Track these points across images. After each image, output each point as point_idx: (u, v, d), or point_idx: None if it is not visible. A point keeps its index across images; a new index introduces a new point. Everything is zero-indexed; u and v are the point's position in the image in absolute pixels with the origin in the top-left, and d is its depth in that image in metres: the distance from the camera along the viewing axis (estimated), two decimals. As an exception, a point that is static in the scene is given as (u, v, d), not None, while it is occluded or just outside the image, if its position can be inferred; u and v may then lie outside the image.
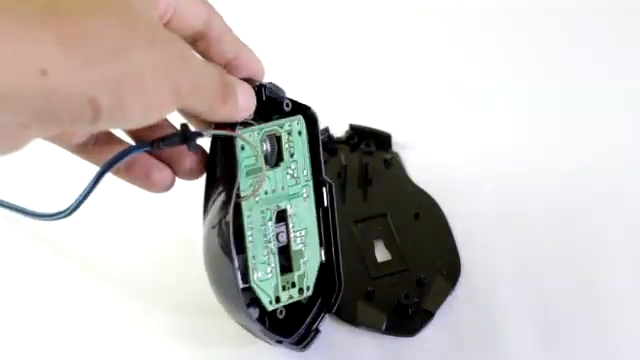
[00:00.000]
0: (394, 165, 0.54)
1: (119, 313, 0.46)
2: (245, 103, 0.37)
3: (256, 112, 0.39)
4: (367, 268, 0.48)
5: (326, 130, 0.55)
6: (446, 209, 0.51)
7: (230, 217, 0.38)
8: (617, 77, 0.61)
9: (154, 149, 0.36)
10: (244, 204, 0.39)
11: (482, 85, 0.60)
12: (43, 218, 0.48)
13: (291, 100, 0.40)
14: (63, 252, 0.50)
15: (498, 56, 0.63)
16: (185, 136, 0.35)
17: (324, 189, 0.42)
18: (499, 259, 0.49)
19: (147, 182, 0.40)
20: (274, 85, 0.40)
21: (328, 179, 0.42)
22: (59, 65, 0.28)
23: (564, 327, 0.46)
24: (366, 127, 0.55)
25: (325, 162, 0.53)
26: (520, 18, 0.66)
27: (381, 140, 0.55)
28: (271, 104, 0.40)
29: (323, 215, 0.42)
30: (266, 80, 0.40)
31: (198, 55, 0.35)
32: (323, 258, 0.42)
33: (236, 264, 0.38)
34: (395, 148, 0.55)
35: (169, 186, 0.40)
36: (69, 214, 0.45)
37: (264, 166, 0.39)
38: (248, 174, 0.39)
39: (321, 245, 0.42)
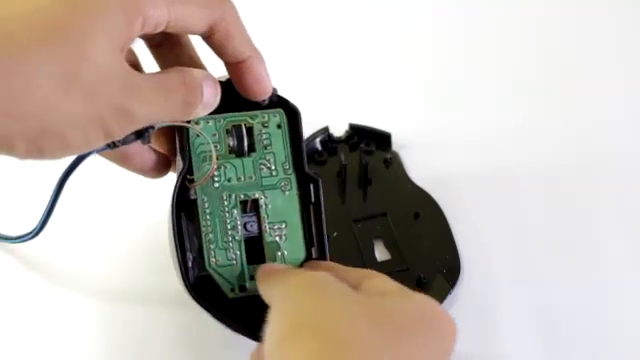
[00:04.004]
0: (394, 165, 0.54)
1: (117, 317, 0.46)
2: (209, 101, 0.37)
3: (235, 102, 0.40)
4: (367, 268, 0.48)
5: (326, 129, 0.55)
6: (446, 209, 0.51)
7: (174, 200, 0.39)
8: (617, 76, 0.61)
9: (111, 148, 0.36)
10: (198, 189, 0.40)
11: (482, 85, 0.60)
12: (10, 241, 0.48)
13: (276, 96, 0.41)
14: (50, 265, 0.49)
15: (498, 56, 0.63)
16: (138, 132, 0.36)
17: (311, 185, 0.41)
18: (499, 259, 0.49)
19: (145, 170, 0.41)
20: None
21: (313, 175, 0.41)
22: None
23: (564, 327, 0.46)
24: (366, 126, 0.55)
25: (325, 162, 0.54)
26: (521, 18, 0.66)
27: (381, 139, 0.55)
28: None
29: (313, 211, 0.42)
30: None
31: (156, 80, 0.34)
32: (313, 255, 0.42)
33: (180, 242, 0.39)
34: (395, 147, 0.55)
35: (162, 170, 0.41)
36: (37, 233, 0.46)
37: (215, 154, 0.40)
38: (204, 160, 0.40)
39: (311, 242, 0.42)
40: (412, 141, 0.56)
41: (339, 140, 0.55)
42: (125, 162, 0.40)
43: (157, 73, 0.35)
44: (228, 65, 0.38)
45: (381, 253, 0.49)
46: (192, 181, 0.40)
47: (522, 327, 0.45)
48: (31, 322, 0.46)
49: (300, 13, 0.66)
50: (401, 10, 0.66)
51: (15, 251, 0.49)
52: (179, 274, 0.40)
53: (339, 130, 0.55)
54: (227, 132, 0.40)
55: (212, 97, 0.37)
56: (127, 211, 0.52)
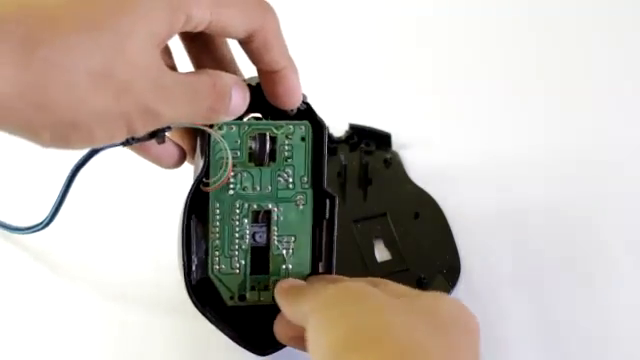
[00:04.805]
0: (394, 165, 0.54)
1: (116, 318, 0.46)
2: (236, 109, 0.36)
3: (262, 107, 0.39)
4: (367, 268, 0.48)
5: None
6: (446, 209, 0.51)
7: (187, 203, 0.39)
8: (617, 77, 0.61)
9: (124, 145, 0.36)
10: (212, 194, 0.40)
11: (482, 85, 0.60)
12: (20, 232, 0.48)
13: (305, 103, 0.40)
14: (56, 258, 0.49)
15: (498, 57, 0.63)
16: (153, 132, 0.36)
17: (327, 201, 0.41)
18: (499, 259, 0.49)
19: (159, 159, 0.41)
20: None
21: (331, 192, 0.41)
22: (10, 100, 0.29)
23: (564, 327, 0.46)
24: (366, 126, 0.55)
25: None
26: (521, 18, 0.66)
27: (381, 139, 0.55)
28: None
29: (326, 228, 0.41)
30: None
31: (185, 83, 0.34)
32: (320, 269, 0.41)
33: (187, 246, 0.40)
34: (395, 147, 0.55)
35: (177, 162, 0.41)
36: (47, 224, 0.46)
37: (230, 161, 0.39)
38: (222, 166, 0.39)
39: (319, 257, 0.41)
40: (412, 141, 0.56)
41: (339, 140, 0.55)
42: (141, 151, 0.40)
43: (188, 74, 0.35)
44: (261, 72, 0.38)
45: (381, 253, 0.49)
46: (207, 185, 0.39)
47: (522, 327, 0.45)
48: (35, 314, 0.46)
49: (300, 13, 0.65)
50: (401, 10, 0.66)
51: (24, 242, 0.49)
52: (182, 276, 0.40)
53: (339, 130, 0.55)
54: (251, 139, 0.40)
55: (240, 105, 0.36)
56: (137, 207, 0.51)
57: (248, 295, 0.41)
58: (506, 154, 0.55)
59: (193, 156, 0.41)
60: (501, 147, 0.56)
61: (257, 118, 0.40)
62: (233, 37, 0.36)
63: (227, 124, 0.39)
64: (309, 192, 0.41)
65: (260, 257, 0.41)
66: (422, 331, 0.33)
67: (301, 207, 0.41)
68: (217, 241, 0.40)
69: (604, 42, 0.64)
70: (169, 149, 0.40)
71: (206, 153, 0.39)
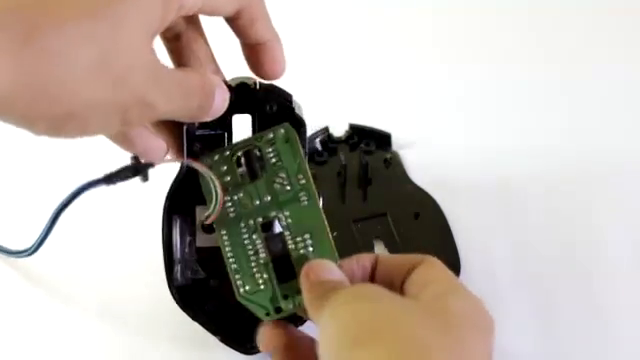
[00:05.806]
0: (394, 164, 0.54)
1: (113, 345, 0.46)
2: (217, 110, 0.36)
3: (245, 110, 0.40)
4: (367, 268, 0.48)
5: (326, 129, 0.55)
6: (446, 209, 0.51)
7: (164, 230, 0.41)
8: (617, 77, 0.61)
9: (108, 184, 0.36)
10: (214, 224, 0.40)
11: (482, 85, 0.60)
12: (8, 254, 0.48)
13: (288, 102, 0.40)
14: (55, 269, 0.49)
15: (498, 56, 0.63)
16: (136, 169, 0.36)
17: None
18: (499, 259, 0.49)
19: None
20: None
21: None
22: (8, 90, 0.29)
23: (564, 327, 0.46)
24: (366, 126, 0.55)
25: (325, 162, 0.54)
26: (520, 18, 0.66)
27: (381, 139, 0.55)
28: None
29: None
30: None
31: (178, 78, 0.34)
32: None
33: (168, 253, 0.41)
34: (395, 147, 0.55)
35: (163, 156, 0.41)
36: (32, 252, 0.46)
37: (220, 193, 0.39)
38: (211, 201, 0.39)
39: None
40: (412, 141, 0.56)
41: (339, 140, 0.55)
42: (127, 145, 0.39)
43: (179, 70, 0.35)
44: (246, 46, 0.38)
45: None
46: (208, 217, 0.39)
47: (522, 327, 0.45)
48: (28, 332, 0.46)
49: (300, 13, 0.66)
50: (402, 10, 0.66)
51: (14, 263, 0.49)
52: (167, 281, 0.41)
53: (339, 130, 0.55)
54: (237, 160, 0.40)
55: (220, 106, 0.36)
56: (128, 222, 0.51)
57: (283, 305, 0.39)
58: (506, 154, 0.55)
59: (175, 152, 0.41)
60: (501, 147, 0.56)
61: (235, 142, 0.40)
62: (221, 15, 0.36)
63: (209, 157, 0.40)
64: (311, 186, 0.40)
65: (284, 264, 0.40)
66: (428, 328, 0.33)
67: (306, 202, 0.40)
68: (234, 265, 0.40)
69: (604, 41, 0.64)
70: (155, 142, 0.40)
71: (200, 182, 0.40)
